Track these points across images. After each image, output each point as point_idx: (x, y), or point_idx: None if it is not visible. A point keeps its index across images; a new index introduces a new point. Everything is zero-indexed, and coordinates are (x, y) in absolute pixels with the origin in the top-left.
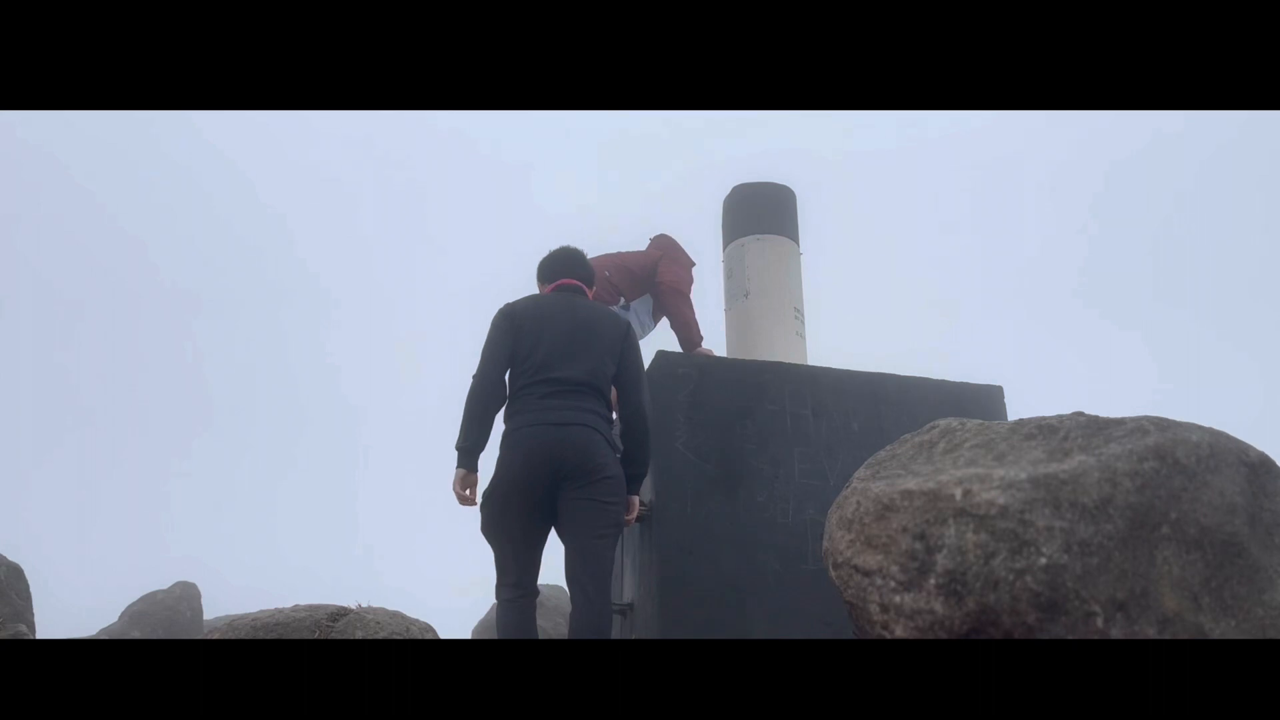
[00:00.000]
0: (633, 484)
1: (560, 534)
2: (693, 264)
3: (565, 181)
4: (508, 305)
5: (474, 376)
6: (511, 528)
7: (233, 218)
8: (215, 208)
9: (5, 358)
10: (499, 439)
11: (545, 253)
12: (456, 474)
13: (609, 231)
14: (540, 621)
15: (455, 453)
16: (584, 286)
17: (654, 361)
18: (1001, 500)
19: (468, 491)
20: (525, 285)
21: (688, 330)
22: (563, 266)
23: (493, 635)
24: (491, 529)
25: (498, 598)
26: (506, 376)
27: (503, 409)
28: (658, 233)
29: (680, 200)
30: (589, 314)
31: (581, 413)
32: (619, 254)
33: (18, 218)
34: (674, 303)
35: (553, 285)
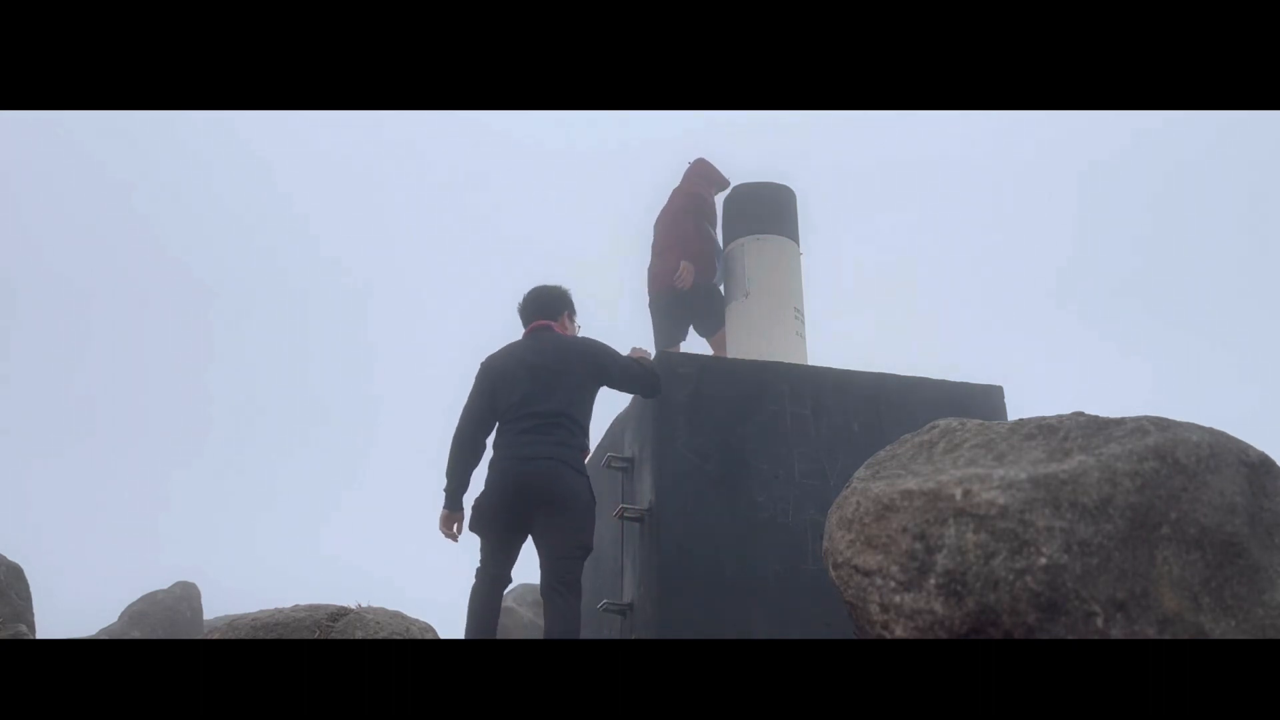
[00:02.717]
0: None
1: (536, 550)
2: (724, 183)
3: (565, 181)
4: (485, 360)
5: (455, 429)
6: (489, 535)
7: (255, 216)
8: (239, 206)
9: (6, 355)
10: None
11: (528, 288)
12: (441, 514)
13: (608, 229)
14: (541, 622)
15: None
16: (552, 324)
17: (654, 361)
18: (1001, 500)
19: (454, 528)
20: (519, 286)
21: (684, 243)
22: (534, 309)
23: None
24: (475, 530)
25: (475, 576)
26: (491, 419)
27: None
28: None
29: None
30: (555, 351)
31: (549, 446)
32: (681, 221)
33: (42, 215)
34: (681, 206)
35: (528, 329)
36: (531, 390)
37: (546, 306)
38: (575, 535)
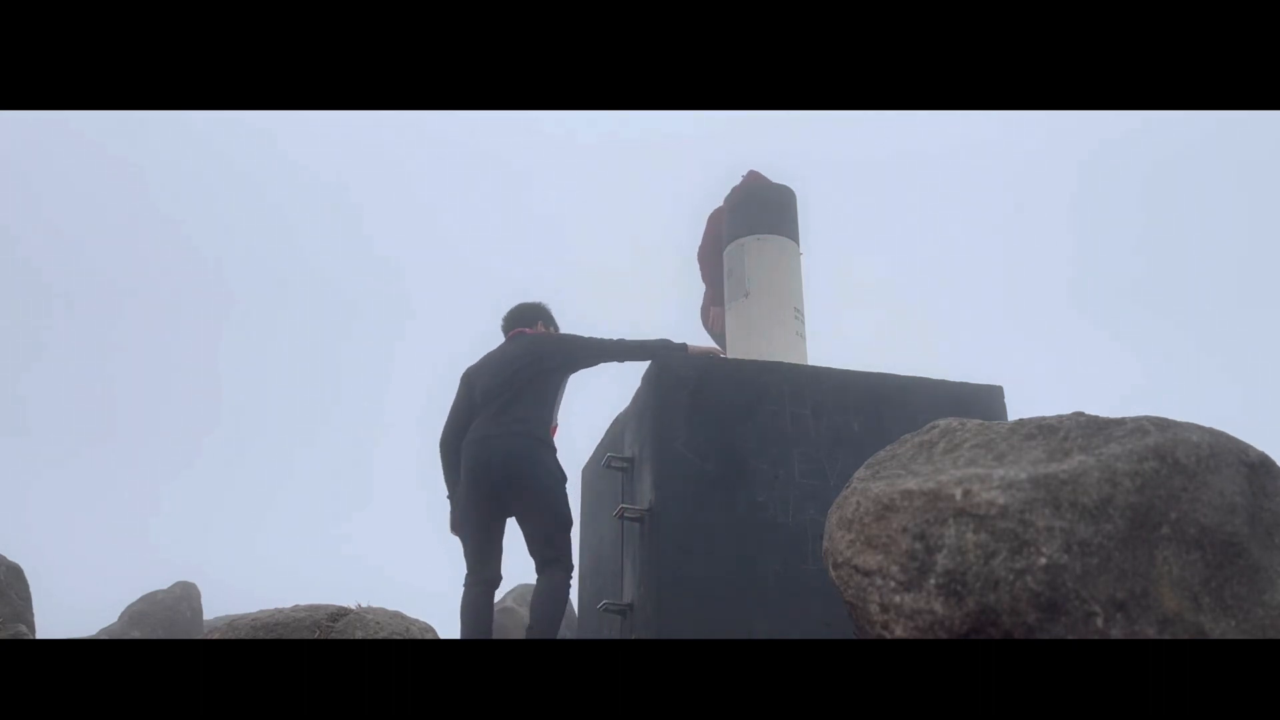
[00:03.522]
0: (667, 349)
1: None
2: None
3: (565, 181)
4: (466, 369)
5: (440, 436)
6: (468, 524)
7: (264, 216)
8: (249, 206)
9: (10, 354)
10: None
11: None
12: (451, 518)
13: (608, 229)
14: None
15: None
16: (526, 330)
17: (654, 362)
18: (1001, 500)
19: None
20: (521, 284)
21: (712, 288)
22: (512, 321)
23: (493, 635)
24: (456, 525)
25: (464, 584)
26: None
27: None
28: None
29: (681, 201)
30: (524, 345)
31: (510, 423)
32: (704, 265)
33: (51, 214)
34: (702, 246)
35: (507, 337)
36: (499, 380)
37: (523, 317)
38: (547, 509)
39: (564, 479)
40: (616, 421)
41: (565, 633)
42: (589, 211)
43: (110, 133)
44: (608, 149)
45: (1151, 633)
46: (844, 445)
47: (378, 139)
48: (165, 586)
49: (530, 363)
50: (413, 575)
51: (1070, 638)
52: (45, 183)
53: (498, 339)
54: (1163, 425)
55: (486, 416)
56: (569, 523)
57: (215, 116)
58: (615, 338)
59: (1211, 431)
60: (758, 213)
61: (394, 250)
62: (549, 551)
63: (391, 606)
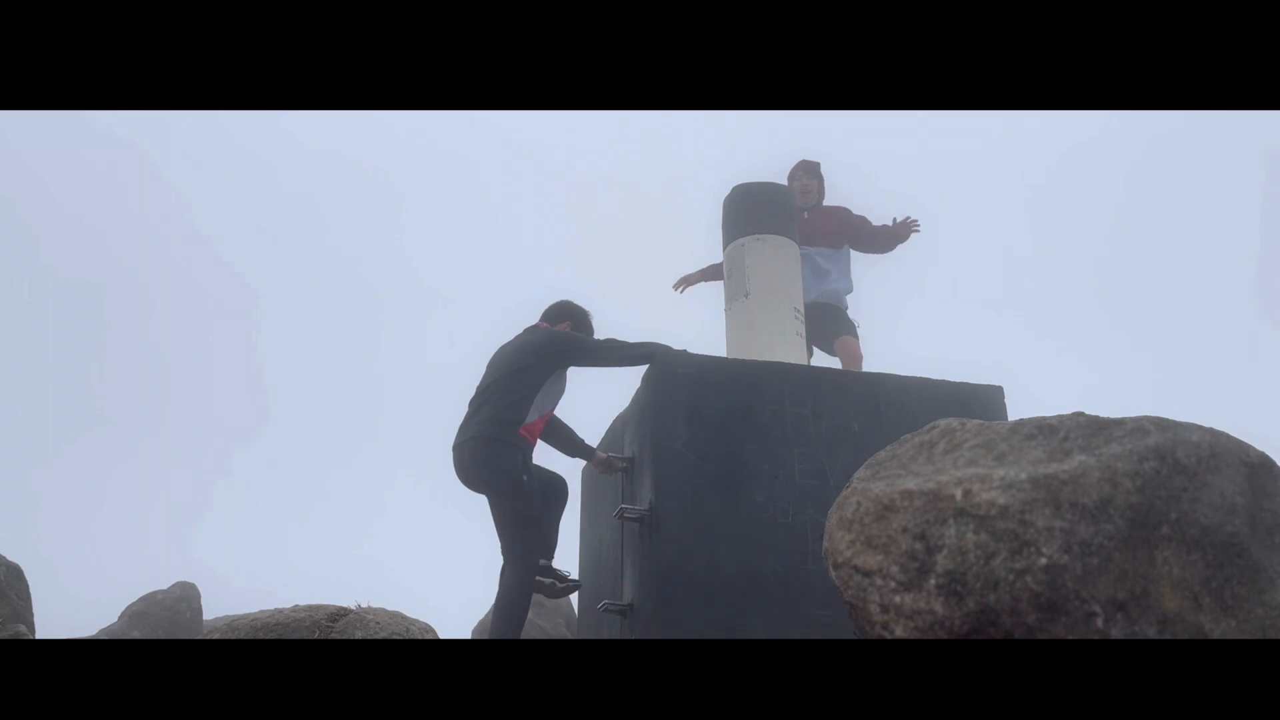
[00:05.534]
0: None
1: None
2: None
3: (564, 182)
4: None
5: None
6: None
7: (278, 216)
8: (263, 207)
9: (18, 352)
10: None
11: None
12: None
13: (608, 230)
14: (541, 622)
15: None
16: (543, 325)
17: (654, 362)
18: (1001, 500)
19: None
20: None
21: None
22: (542, 315)
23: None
24: None
25: None
26: None
27: None
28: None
29: (680, 200)
30: (522, 339)
31: (475, 425)
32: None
33: (62, 213)
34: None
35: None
36: (489, 377)
37: (551, 314)
38: (502, 504)
39: (518, 473)
40: (616, 421)
41: (565, 633)
42: (595, 206)
43: (143, 134)
44: (610, 146)
45: (1151, 633)
46: (844, 445)
47: (395, 138)
48: (165, 586)
49: (518, 357)
50: (413, 576)
51: (1070, 638)
52: (82, 184)
53: (502, 338)
54: (1163, 425)
55: (466, 416)
56: (524, 517)
57: (248, 116)
58: (608, 338)
59: (1212, 431)
60: (757, 213)
61: (404, 247)
62: (506, 547)
63: (391, 607)
